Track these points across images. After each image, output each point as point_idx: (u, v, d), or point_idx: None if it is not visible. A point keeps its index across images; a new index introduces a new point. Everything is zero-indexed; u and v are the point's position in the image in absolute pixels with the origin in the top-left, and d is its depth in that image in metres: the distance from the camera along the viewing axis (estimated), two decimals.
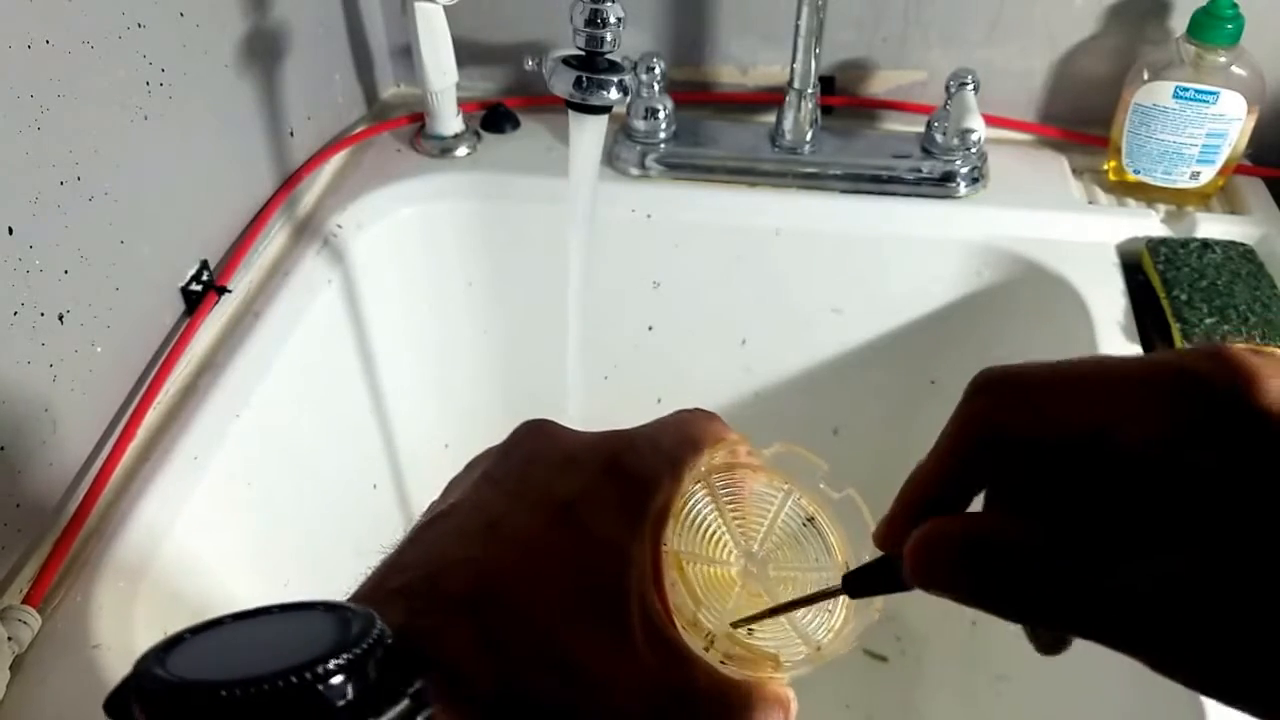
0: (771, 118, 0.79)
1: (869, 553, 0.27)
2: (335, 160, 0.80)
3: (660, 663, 0.24)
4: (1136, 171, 0.75)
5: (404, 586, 0.24)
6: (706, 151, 0.79)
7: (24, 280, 0.49)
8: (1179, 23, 0.75)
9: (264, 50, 0.70)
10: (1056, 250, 0.72)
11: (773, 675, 0.26)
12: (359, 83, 0.86)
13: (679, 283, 0.81)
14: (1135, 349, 0.64)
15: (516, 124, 0.84)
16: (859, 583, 0.26)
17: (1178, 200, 0.76)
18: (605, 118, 0.58)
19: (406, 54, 0.88)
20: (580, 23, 0.56)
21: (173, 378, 0.60)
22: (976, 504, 0.24)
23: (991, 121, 0.77)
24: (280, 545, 0.63)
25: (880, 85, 0.83)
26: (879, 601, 0.27)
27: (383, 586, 0.24)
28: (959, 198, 0.76)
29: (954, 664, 0.80)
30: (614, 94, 0.56)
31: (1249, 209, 0.75)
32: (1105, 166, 0.78)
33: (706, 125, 0.81)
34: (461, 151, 0.81)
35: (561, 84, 0.56)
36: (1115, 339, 0.65)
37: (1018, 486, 0.23)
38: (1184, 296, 0.65)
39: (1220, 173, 0.74)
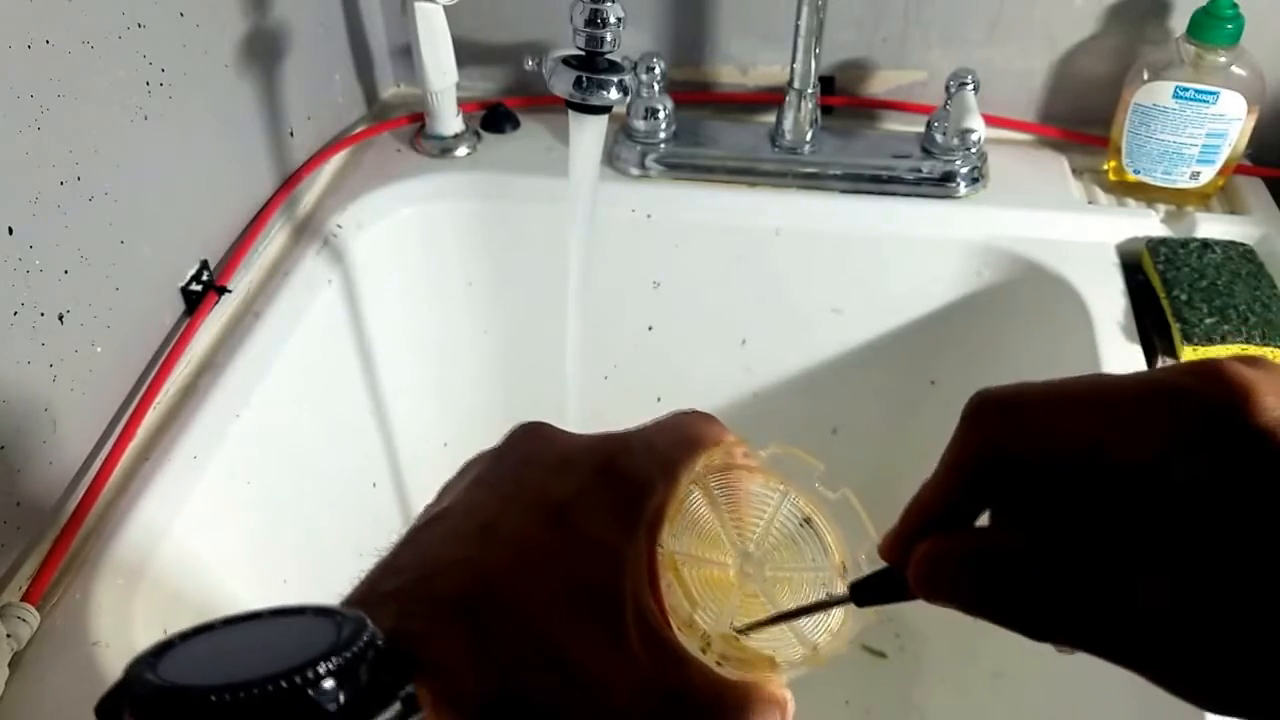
0: (771, 118, 0.79)
1: (865, 553, 0.27)
2: (335, 160, 0.80)
3: (656, 664, 0.24)
4: (1136, 171, 0.75)
5: (398, 589, 0.24)
6: (706, 151, 0.79)
7: (24, 280, 0.49)
8: (1179, 23, 0.75)
9: (264, 50, 0.70)
10: (1056, 250, 0.72)
11: (770, 676, 0.26)
12: (359, 83, 0.86)
13: (679, 283, 0.81)
14: (1135, 349, 0.64)
15: (516, 124, 0.84)
16: (865, 592, 0.26)
17: (1178, 200, 0.76)
18: (605, 118, 0.58)
19: (406, 54, 0.88)
20: (580, 23, 0.56)
21: (173, 378, 0.60)
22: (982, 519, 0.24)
23: (991, 121, 0.77)
24: (279, 544, 0.63)
25: (880, 85, 0.83)
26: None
27: (376, 589, 0.24)
28: (959, 198, 0.76)
29: (953, 661, 0.80)
30: (614, 94, 0.56)
31: (1249, 209, 0.75)
32: (1105, 166, 0.78)
33: (706, 125, 0.81)
34: (461, 151, 0.81)
35: (561, 84, 0.56)
36: (1115, 339, 0.65)
37: (1019, 503, 0.23)
38: (1184, 296, 0.65)
39: (1220, 173, 0.74)
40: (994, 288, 0.75)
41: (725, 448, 0.29)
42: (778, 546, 0.29)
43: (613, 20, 0.56)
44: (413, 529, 0.27)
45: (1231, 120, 0.71)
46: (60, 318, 0.52)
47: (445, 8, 0.73)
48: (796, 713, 0.27)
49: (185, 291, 0.64)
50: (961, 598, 0.22)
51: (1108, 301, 0.67)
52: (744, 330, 0.83)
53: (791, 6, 0.72)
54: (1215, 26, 0.68)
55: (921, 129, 0.78)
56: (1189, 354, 0.62)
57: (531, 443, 0.29)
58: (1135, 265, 0.71)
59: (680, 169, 0.78)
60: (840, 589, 0.27)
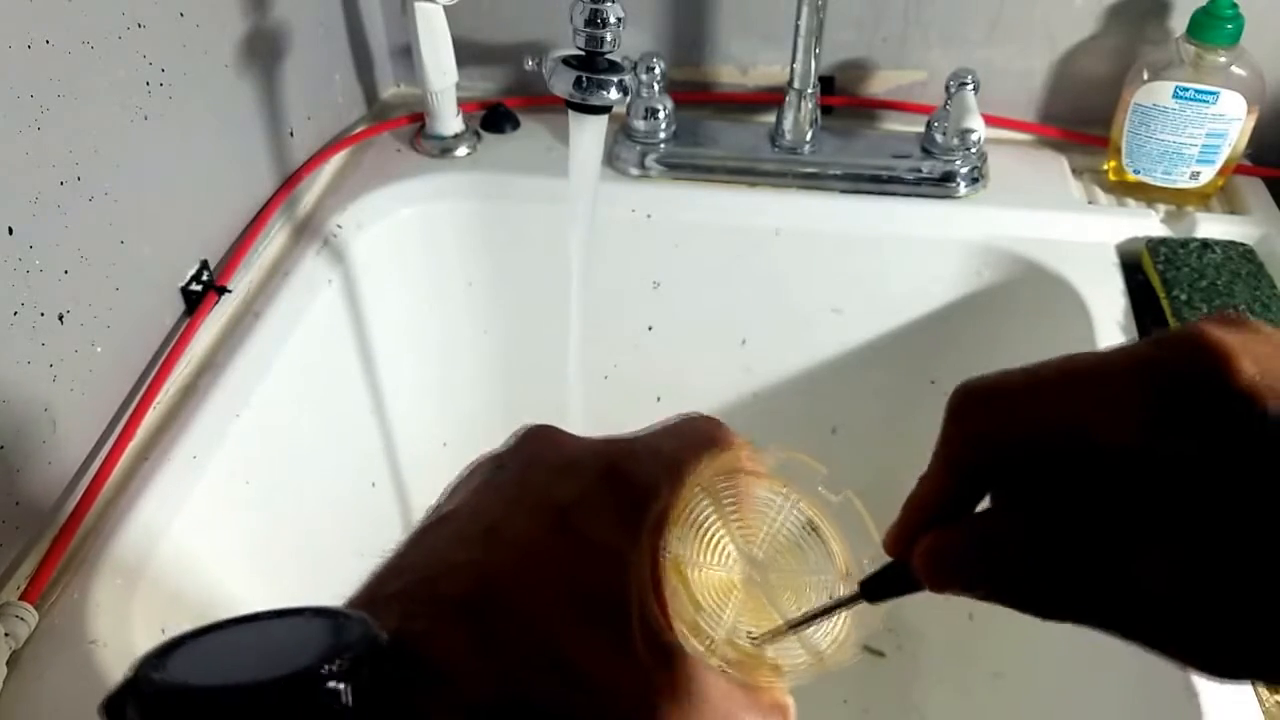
0: (771, 118, 0.79)
1: (869, 558, 0.27)
2: (335, 160, 0.80)
3: (659, 668, 0.24)
4: (1136, 171, 0.75)
5: (401, 590, 0.24)
6: (706, 151, 0.79)
7: (24, 280, 0.49)
8: (1179, 23, 0.75)
9: (264, 50, 0.70)
10: (1056, 250, 0.72)
11: (773, 681, 0.26)
12: (359, 83, 0.86)
13: (679, 283, 0.81)
14: None
15: (516, 124, 0.84)
16: (875, 587, 0.26)
17: (1178, 200, 0.76)
18: (605, 118, 0.58)
19: (406, 54, 0.88)
20: (580, 23, 0.56)
21: (173, 378, 0.60)
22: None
23: (991, 121, 0.77)
24: (279, 544, 0.63)
25: (880, 85, 0.83)
26: (882, 611, 0.27)
27: (380, 590, 0.24)
28: (959, 198, 0.76)
29: (951, 660, 0.80)
30: (614, 94, 0.56)
31: (1249, 209, 0.75)
32: (1105, 166, 0.78)
33: (706, 125, 0.81)
34: (461, 151, 0.81)
35: (561, 84, 0.56)
36: (1115, 339, 0.65)
37: (1015, 488, 0.23)
38: (1184, 296, 0.65)
39: (1220, 173, 0.74)
40: (994, 288, 0.75)
41: (731, 452, 0.29)
42: (782, 551, 0.29)
43: (613, 20, 0.56)
44: (417, 530, 0.27)
45: (1231, 120, 0.71)
46: (60, 318, 0.52)
47: (445, 8, 0.73)
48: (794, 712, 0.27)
49: (185, 291, 0.64)
50: (968, 587, 0.23)
51: (1107, 301, 0.67)
52: (744, 330, 0.83)
53: (791, 6, 0.72)
54: (1215, 26, 0.68)
55: (921, 129, 0.78)
56: None
57: (537, 445, 0.28)
58: (1135, 265, 0.71)
59: (680, 169, 0.78)
60: (844, 594, 0.27)
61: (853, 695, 0.82)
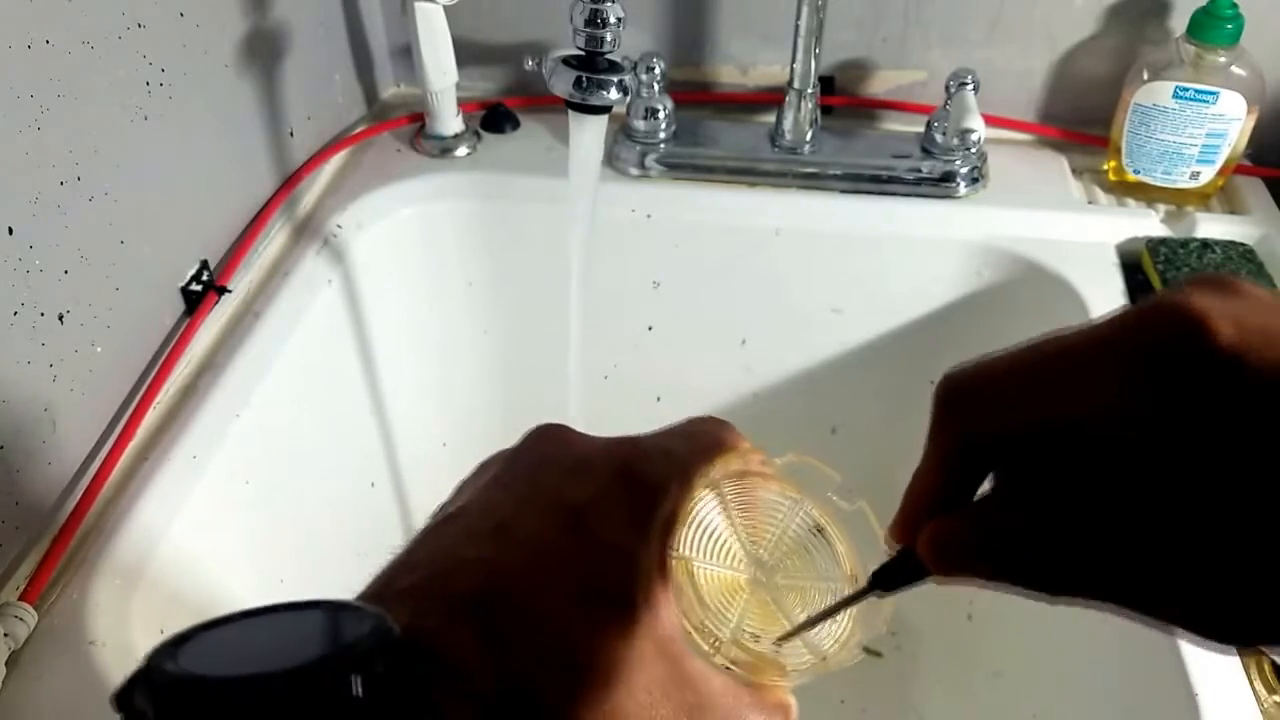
0: (771, 118, 0.79)
1: (877, 564, 0.27)
2: (335, 160, 0.80)
3: (665, 667, 0.25)
4: (1136, 171, 0.75)
5: (412, 586, 0.24)
6: (706, 151, 0.79)
7: (24, 280, 0.49)
8: (1179, 23, 0.75)
9: (264, 50, 0.70)
10: (1056, 250, 0.72)
11: (777, 682, 0.26)
12: (359, 83, 0.86)
13: (679, 283, 0.81)
14: None
15: (516, 124, 0.84)
16: (886, 578, 0.26)
17: (1178, 200, 0.76)
18: (605, 118, 0.58)
19: (406, 54, 0.88)
20: (580, 23, 0.56)
21: (173, 378, 0.60)
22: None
23: (991, 121, 0.77)
24: (279, 544, 0.63)
25: (880, 85, 0.83)
26: (886, 613, 0.27)
27: (391, 586, 0.24)
28: (959, 198, 0.76)
29: (949, 660, 0.80)
30: (614, 94, 0.56)
31: (1249, 209, 0.75)
32: (1105, 166, 0.78)
33: (706, 125, 0.81)
34: (461, 151, 0.81)
35: (561, 84, 0.56)
36: None
37: (1011, 470, 0.24)
38: None
39: (1220, 173, 0.74)
40: (994, 288, 0.75)
41: (741, 455, 0.29)
42: (790, 554, 0.29)
43: (613, 20, 0.56)
44: (428, 527, 0.27)
45: (1231, 120, 0.71)
46: (60, 318, 0.52)
47: (445, 8, 0.73)
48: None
49: (185, 291, 0.64)
50: (974, 572, 0.23)
51: (1108, 301, 0.67)
52: (744, 330, 0.83)
53: (791, 6, 0.72)
54: (1215, 26, 0.68)
55: (921, 129, 0.78)
56: None
57: (548, 444, 0.29)
58: (1135, 265, 0.71)
59: (680, 169, 0.78)
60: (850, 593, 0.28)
61: (851, 695, 0.82)
